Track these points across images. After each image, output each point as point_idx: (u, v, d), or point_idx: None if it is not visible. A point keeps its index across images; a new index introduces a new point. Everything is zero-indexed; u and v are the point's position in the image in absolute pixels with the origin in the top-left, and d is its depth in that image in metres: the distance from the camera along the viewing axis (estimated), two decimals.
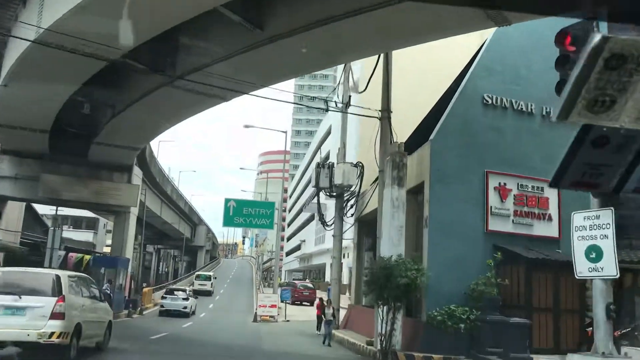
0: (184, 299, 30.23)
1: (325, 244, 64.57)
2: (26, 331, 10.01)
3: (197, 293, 38.48)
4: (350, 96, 23.54)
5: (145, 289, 33.37)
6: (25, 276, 11.11)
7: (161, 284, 52.38)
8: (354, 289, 24.35)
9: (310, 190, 79.39)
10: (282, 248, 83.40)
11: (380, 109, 16.99)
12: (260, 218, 35.37)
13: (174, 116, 20.37)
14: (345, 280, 56.98)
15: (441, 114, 16.17)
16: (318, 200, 24.17)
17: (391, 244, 14.59)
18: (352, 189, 23.78)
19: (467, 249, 14.86)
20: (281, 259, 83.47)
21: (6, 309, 10.06)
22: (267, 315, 30.41)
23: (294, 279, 68.22)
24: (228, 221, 35.10)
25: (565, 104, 1.32)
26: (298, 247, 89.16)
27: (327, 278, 64.45)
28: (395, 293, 13.49)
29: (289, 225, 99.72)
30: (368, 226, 23.91)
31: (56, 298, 10.30)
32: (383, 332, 14.14)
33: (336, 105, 24.72)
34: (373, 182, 22.20)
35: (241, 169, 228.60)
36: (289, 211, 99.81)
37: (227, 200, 35.10)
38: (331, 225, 24.00)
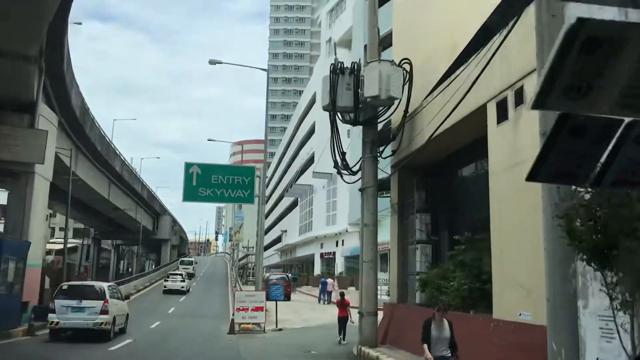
0: (181, 280, 40.34)
1: (313, 231, 54.74)
2: (86, 322, 15.65)
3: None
4: None
5: None
6: (83, 287, 17.36)
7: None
8: (395, 277, 14.68)
9: (291, 175, 69.48)
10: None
11: None
12: (235, 189, 25.43)
13: None
14: (340, 272, 47.03)
15: None
16: (333, 129, 14.26)
17: None
18: (387, 114, 14.13)
19: None
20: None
21: (73, 308, 15.72)
22: (249, 324, 20.63)
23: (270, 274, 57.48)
24: (190, 194, 25.06)
25: (540, 90, 1.19)
26: (278, 240, 79.21)
27: (317, 270, 54.55)
28: None
29: (266, 216, 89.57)
30: (414, 173, 14.27)
31: (103, 301, 15.94)
32: None
33: None
34: (428, 95, 12.54)
35: (209, 140, 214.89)
36: (266, 201, 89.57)
37: (188, 166, 25.12)
38: (357, 172, 14.20)
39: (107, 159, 36.54)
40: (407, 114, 13.22)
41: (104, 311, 15.77)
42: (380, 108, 13.74)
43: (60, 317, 15.53)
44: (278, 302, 21.89)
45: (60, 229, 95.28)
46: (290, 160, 70.87)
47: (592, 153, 1.33)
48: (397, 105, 13.54)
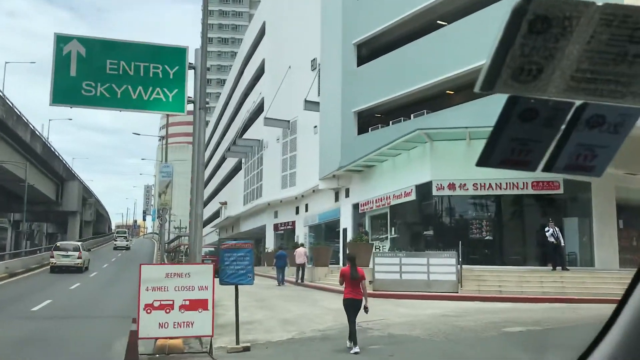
0: (126, 241, 62.14)
1: (264, 197, 42.89)
2: (71, 262, 30.59)
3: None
4: None
5: None
6: (68, 244, 33.36)
7: None
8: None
9: (233, 135, 56.52)
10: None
11: None
12: (151, 86, 13.45)
13: None
14: (318, 242, 34.13)
15: None
16: None
17: None
18: None
19: None
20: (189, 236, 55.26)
21: (64, 255, 30.78)
22: (177, 338, 9.09)
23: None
24: (65, 92, 12.93)
25: (488, 72, 1.12)
26: (217, 215, 66.90)
27: (270, 247, 42.77)
28: None
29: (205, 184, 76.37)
30: None
31: (78, 252, 31.19)
32: None
33: None
34: None
35: (134, 134, 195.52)
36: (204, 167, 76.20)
37: (61, 40, 12.95)
38: None
39: None
40: None
41: (79, 257, 30.69)
42: None
43: (57, 260, 30.29)
44: (239, 289, 10.31)
45: None
46: (233, 114, 58.25)
47: (542, 138, 1.25)
48: None
